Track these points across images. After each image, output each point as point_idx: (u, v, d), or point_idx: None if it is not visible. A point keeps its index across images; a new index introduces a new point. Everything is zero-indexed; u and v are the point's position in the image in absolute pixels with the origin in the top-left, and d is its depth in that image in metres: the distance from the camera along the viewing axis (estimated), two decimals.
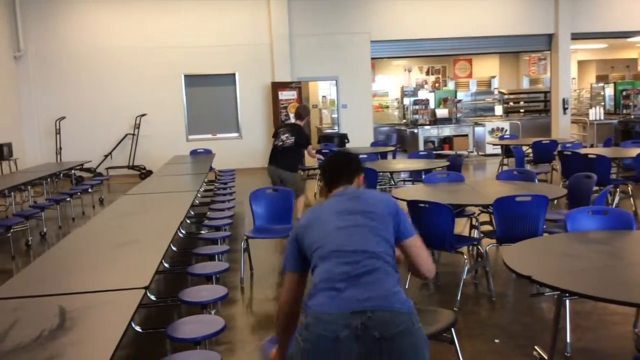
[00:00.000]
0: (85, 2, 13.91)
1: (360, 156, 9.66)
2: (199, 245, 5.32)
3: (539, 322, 4.47)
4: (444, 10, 14.89)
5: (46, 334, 2.42)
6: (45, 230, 8.19)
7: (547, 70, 17.12)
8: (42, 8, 13.72)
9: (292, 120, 7.94)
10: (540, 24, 15.41)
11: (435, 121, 15.07)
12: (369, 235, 2.34)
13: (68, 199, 8.91)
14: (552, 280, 2.86)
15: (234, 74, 14.43)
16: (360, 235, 2.34)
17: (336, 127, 15.59)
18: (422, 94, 16.22)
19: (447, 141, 14.77)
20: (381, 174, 8.31)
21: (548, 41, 15.73)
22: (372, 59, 15.15)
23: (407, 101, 15.84)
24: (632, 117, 15.23)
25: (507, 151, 10.83)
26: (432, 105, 15.52)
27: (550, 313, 4.27)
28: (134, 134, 13.92)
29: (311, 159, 8.12)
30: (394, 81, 18.94)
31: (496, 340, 4.11)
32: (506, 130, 14.97)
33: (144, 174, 13.42)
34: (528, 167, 9.68)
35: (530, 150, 10.06)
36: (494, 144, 12.99)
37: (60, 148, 13.61)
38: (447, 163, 7.96)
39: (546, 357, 3.63)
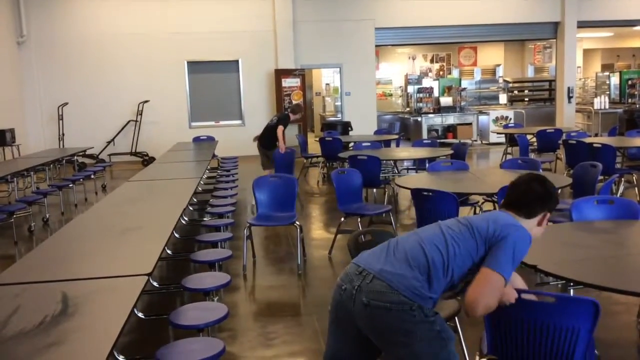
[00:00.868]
0: None
1: (364, 144, 9.60)
2: (202, 232, 5.31)
3: None
4: None
5: (49, 320, 2.41)
6: (47, 216, 8.20)
7: (552, 58, 17.01)
8: None
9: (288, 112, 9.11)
10: (546, 11, 15.29)
11: (439, 109, 15.00)
12: (436, 233, 2.37)
13: (71, 185, 8.91)
14: (557, 269, 2.84)
15: (237, 61, 14.37)
16: (435, 228, 2.40)
17: (339, 115, 15.54)
18: (426, 82, 16.13)
19: (450, 130, 14.72)
20: (384, 162, 8.28)
21: (554, 29, 15.62)
22: (376, 46, 15.06)
23: (411, 89, 15.77)
24: (638, 106, 15.15)
25: (511, 140, 10.78)
26: (436, 93, 15.44)
27: None
28: (136, 121, 13.90)
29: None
30: (398, 69, 18.84)
31: None
32: (510, 119, 14.90)
33: (147, 160, 13.41)
34: (532, 156, 9.63)
35: (534, 139, 10.02)
36: (498, 133, 12.94)
37: (63, 134, 13.59)
38: (451, 151, 7.93)
39: None
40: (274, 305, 4.83)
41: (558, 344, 2.31)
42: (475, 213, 6.06)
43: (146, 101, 13.89)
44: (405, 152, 9.24)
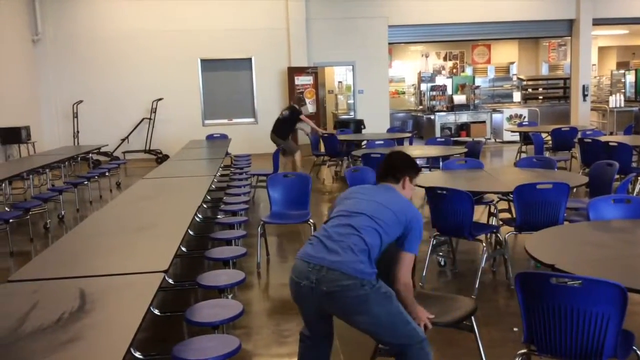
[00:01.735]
0: None
1: (377, 142, 9.61)
2: (215, 229, 5.32)
3: None
4: None
5: (67, 317, 2.43)
6: (63, 213, 8.26)
7: (567, 56, 16.88)
8: None
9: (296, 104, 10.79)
10: (561, 9, 15.16)
11: (452, 107, 14.92)
12: (367, 220, 2.82)
13: (86, 183, 8.97)
14: (574, 268, 2.82)
15: (250, 59, 14.39)
16: (363, 216, 2.85)
17: (352, 113, 15.50)
18: (440, 80, 16.06)
19: (464, 128, 14.64)
20: None
21: (569, 27, 15.49)
22: (389, 44, 15.02)
23: (424, 87, 15.70)
24: None
25: (525, 138, 10.70)
26: (449, 91, 15.37)
27: None
28: (150, 118, 13.96)
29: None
30: (411, 67, 18.78)
31: (515, 329, 4.07)
32: (524, 117, 14.80)
33: (160, 158, 13.47)
34: (547, 154, 9.56)
35: (549, 138, 9.94)
36: (512, 131, 12.85)
37: (78, 131, 13.69)
38: (465, 150, 7.88)
39: None
40: (288, 303, 4.83)
41: (589, 328, 2.48)
42: (489, 212, 6.03)
43: (160, 99, 13.95)
44: (419, 150, 9.20)
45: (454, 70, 19.19)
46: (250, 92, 14.55)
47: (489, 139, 14.79)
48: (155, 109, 13.93)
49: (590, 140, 8.15)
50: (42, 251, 3.58)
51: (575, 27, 15.32)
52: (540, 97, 17.03)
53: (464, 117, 14.72)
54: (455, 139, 13.50)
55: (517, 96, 16.88)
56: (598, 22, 15.31)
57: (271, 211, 5.88)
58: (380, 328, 2.73)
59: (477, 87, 15.66)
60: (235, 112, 14.56)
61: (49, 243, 6.83)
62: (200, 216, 6.88)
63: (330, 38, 14.49)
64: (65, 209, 8.45)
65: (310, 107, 14.05)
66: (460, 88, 15.48)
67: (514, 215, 4.91)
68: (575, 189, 5.92)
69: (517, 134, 11.72)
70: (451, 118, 14.74)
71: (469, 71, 18.50)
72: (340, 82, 18.25)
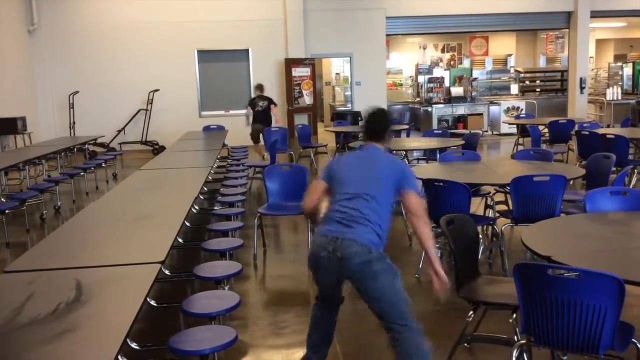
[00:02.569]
0: None
1: None
2: (212, 221, 5.32)
3: None
4: None
5: (63, 307, 2.42)
6: (59, 204, 8.24)
7: (565, 48, 16.86)
8: None
9: (259, 93, 11.29)
10: (559, 1, 15.13)
11: (449, 99, 14.90)
12: (371, 201, 3.10)
13: (82, 174, 8.94)
14: (570, 260, 2.82)
15: (247, 50, 14.34)
16: (367, 197, 3.11)
17: (349, 105, 15.48)
18: (437, 72, 16.03)
19: (461, 120, 14.63)
20: (395, 152, 8.23)
21: (567, 19, 15.46)
22: (387, 35, 14.97)
23: (421, 79, 15.67)
24: None
25: (522, 130, 10.70)
26: (446, 83, 15.35)
27: None
28: (146, 110, 13.91)
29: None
30: (409, 59, 18.74)
31: (510, 320, 4.07)
32: (522, 110, 14.80)
33: (157, 149, 13.44)
34: (544, 146, 9.56)
35: (546, 130, 9.94)
36: (509, 123, 12.85)
37: (74, 122, 13.64)
38: (463, 142, 7.88)
39: None
40: (285, 294, 4.84)
41: (586, 320, 2.50)
42: (486, 204, 6.03)
43: (156, 90, 13.90)
44: (416, 142, 9.19)
45: (452, 62, 19.16)
46: (247, 84, 14.49)
47: (486, 131, 14.79)
48: (152, 100, 13.89)
49: (587, 133, 8.16)
50: (38, 242, 3.57)
51: (573, 20, 15.29)
52: (538, 90, 17.02)
53: (462, 109, 14.71)
54: (452, 131, 13.48)
55: (514, 88, 16.87)
56: (596, 15, 15.28)
57: (268, 202, 5.88)
58: (383, 301, 2.99)
59: (475, 79, 15.63)
60: (232, 103, 14.51)
61: (45, 234, 6.81)
62: (197, 207, 6.86)
63: (327, 29, 14.44)
64: (62, 200, 8.43)
65: (307, 99, 14.05)
66: (457, 80, 15.46)
67: (511, 207, 4.91)
68: (572, 181, 5.92)
69: (514, 126, 11.72)
70: (448, 110, 14.73)
71: (466, 63, 18.47)
72: (337, 73, 18.21)
